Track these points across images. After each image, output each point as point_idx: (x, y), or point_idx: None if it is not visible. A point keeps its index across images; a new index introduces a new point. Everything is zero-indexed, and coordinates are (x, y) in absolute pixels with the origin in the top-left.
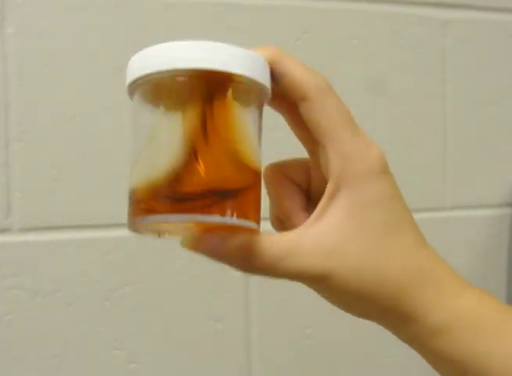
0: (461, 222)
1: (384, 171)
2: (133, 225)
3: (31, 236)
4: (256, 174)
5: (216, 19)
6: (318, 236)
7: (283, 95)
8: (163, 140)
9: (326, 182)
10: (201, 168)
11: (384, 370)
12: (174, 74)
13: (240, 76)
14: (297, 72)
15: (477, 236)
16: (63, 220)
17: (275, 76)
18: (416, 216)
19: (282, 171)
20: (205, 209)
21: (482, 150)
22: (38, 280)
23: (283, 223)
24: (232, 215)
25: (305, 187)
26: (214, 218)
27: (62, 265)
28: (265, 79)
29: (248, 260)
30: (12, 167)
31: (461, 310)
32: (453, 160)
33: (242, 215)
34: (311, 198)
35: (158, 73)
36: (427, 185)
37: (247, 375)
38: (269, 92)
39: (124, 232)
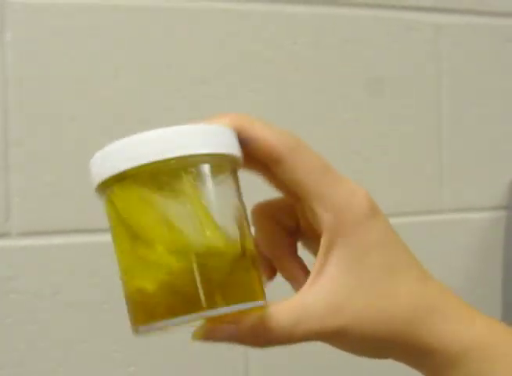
0: (456, 224)
1: (374, 213)
2: (137, 332)
3: (30, 241)
4: (242, 247)
5: (212, 25)
6: (321, 296)
7: (255, 158)
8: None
9: (314, 229)
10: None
11: (383, 371)
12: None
13: (207, 155)
14: (265, 136)
15: (472, 239)
16: (62, 224)
17: (243, 142)
18: (412, 219)
19: (267, 212)
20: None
21: (477, 153)
22: (37, 284)
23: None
24: (241, 300)
25: (294, 228)
26: (222, 310)
27: (60, 269)
28: (232, 148)
29: (263, 337)
30: (11, 171)
31: (473, 341)
32: (449, 163)
33: (246, 297)
34: (303, 239)
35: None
36: (422, 188)
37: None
38: (240, 159)
39: None
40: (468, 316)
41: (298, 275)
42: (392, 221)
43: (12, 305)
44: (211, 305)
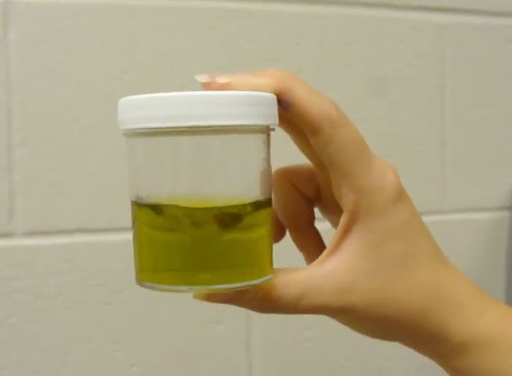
0: (460, 225)
1: (400, 197)
2: (141, 284)
3: (34, 241)
4: (264, 219)
5: (215, 24)
6: (333, 274)
7: (292, 121)
8: None
9: (335, 200)
10: None
11: (383, 371)
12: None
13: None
14: (305, 102)
15: (475, 240)
16: (65, 224)
17: (283, 105)
18: None
19: (289, 178)
20: (216, 280)
21: (481, 153)
22: (40, 284)
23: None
24: (244, 278)
25: (313, 197)
26: (229, 286)
27: (63, 269)
28: (269, 117)
29: (266, 305)
30: (15, 171)
31: (482, 330)
32: (452, 163)
33: (255, 274)
34: (323, 207)
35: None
36: (425, 188)
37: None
38: (276, 124)
39: (125, 236)
40: (481, 304)
41: (312, 247)
42: None
43: (15, 304)
44: (220, 280)
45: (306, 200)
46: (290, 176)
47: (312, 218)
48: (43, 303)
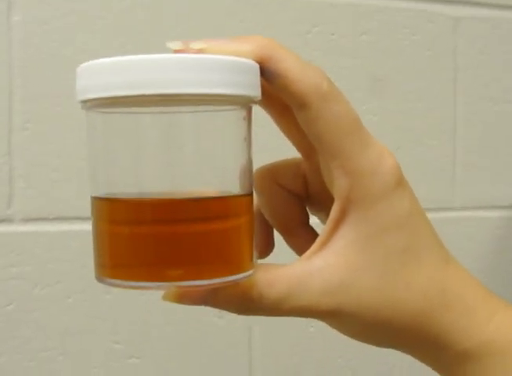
0: (470, 222)
1: (399, 183)
2: (100, 281)
3: (33, 227)
4: (243, 202)
5: (227, 12)
6: (323, 271)
7: (276, 96)
8: None
9: (327, 190)
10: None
11: (385, 367)
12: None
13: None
14: (293, 72)
15: (485, 237)
16: (65, 211)
17: (266, 76)
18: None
19: (272, 176)
20: (187, 276)
21: (491, 150)
22: (39, 271)
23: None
24: (218, 274)
25: (302, 194)
26: (198, 282)
27: (63, 257)
28: (251, 88)
29: (246, 305)
30: (15, 156)
31: (490, 336)
32: (463, 160)
33: (231, 270)
34: (312, 205)
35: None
36: (436, 185)
37: (248, 371)
38: (258, 98)
39: None
40: (488, 308)
41: (308, 248)
42: None
43: (13, 291)
44: (191, 276)
45: (295, 198)
46: (273, 174)
47: (306, 217)
48: (41, 291)
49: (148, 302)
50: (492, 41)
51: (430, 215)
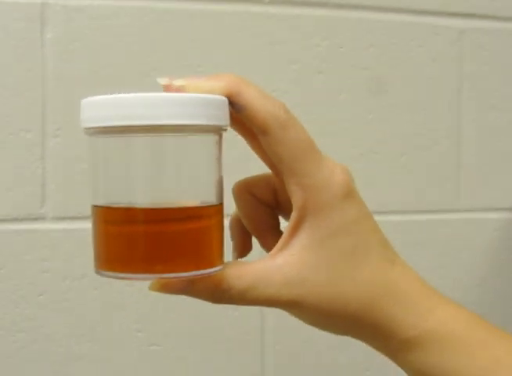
0: (474, 224)
1: (348, 195)
2: (98, 273)
3: (63, 225)
4: (210, 212)
5: (239, 27)
6: (283, 267)
7: (244, 124)
8: None
9: (291, 202)
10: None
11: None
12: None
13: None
14: (256, 104)
15: (489, 239)
16: None
17: (234, 108)
18: (429, 217)
19: (247, 189)
20: (167, 269)
21: (496, 154)
22: (68, 265)
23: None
24: (194, 268)
25: (273, 204)
26: (178, 275)
27: (89, 252)
28: (220, 118)
29: (217, 295)
30: (48, 160)
31: (431, 327)
32: (467, 163)
33: (205, 265)
34: (282, 213)
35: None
36: (440, 187)
37: (260, 358)
38: (227, 126)
39: None
40: (430, 302)
41: None
42: (410, 218)
43: (45, 283)
44: (171, 270)
45: (267, 207)
46: (248, 187)
47: (276, 222)
48: (70, 283)
49: (167, 294)
50: (496, 51)
51: (435, 217)
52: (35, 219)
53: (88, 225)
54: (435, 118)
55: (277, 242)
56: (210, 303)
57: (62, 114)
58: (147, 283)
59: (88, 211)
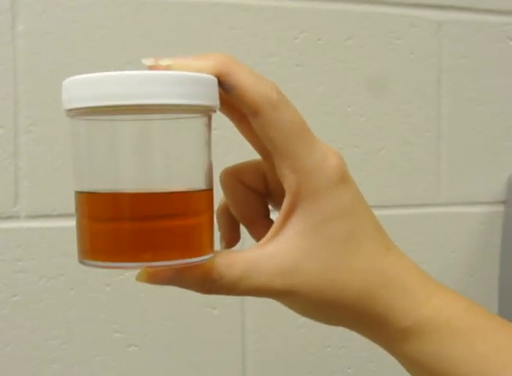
0: (454, 218)
1: (342, 180)
2: (83, 263)
3: (37, 223)
4: (200, 198)
5: (216, 19)
6: (275, 255)
7: (234, 105)
8: None
9: (282, 186)
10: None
11: (375, 353)
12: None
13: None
14: (247, 84)
15: (470, 233)
16: (67, 208)
17: (224, 88)
18: (410, 211)
19: (236, 176)
20: (155, 257)
21: (476, 147)
22: (43, 265)
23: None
24: (183, 256)
25: (263, 191)
26: (166, 263)
27: (65, 251)
28: (209, 98)
29: (208, 285)
30: (20, 157)
31: (428, 315)
32: (447, 156)
33: (194, 253)
34: (272, 200)
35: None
36: (420, 181)
37: (241, 357)
38: (216, 107)
39: None
40: (427, 291)
41: None
42: (391, 213)
43: (19, 283)
44: (159, 258)
45: (256, 194)
46: (237, 174)
47: (266, 210)
48: (45, 283)
49: (145, 293)
50: (474, 44)
51: (415, 211)
52: (8, 218)
53: (63, 224)
54: (414, 111)
55: (267, 230)
56: (200, 294)
57: (35, 109)
58: (125, 280)
59: (64, 209)
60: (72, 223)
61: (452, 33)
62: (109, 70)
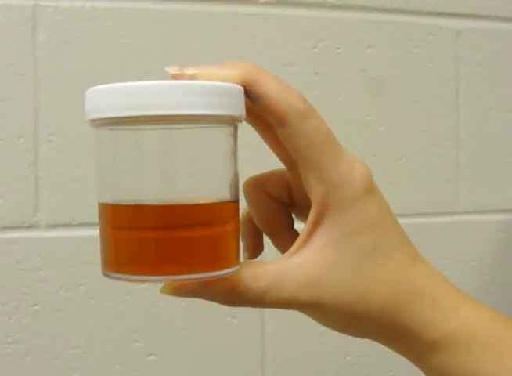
0: (473, 226)
1: (369, 191)
2: (107, 276)
3: (57, 232)
4: (228, 208)
5: (235, 28)
6: (302, 267)
7: (259, 114)
8: None
9: (307, 196)
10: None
11: (394, 362)
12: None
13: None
14: (273, 94)
15: (489, 241)
16: (87, 217)
17: (250, 97)
18: (429, 220)
19: (260, 186)
20: (180, 270)
21: (495, 155)
22: (63, 274)
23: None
24: (208, 269)
25: (287, 201)
26: (191, 276)
27: (85, 260)
28: (236, 108)
29: (233, 297)
30: (41, 167)
31: (456, 328)
32: (466, 165)
33: (220, 266)
34: (296, 210)
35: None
36: (440, 189)
37: (261, 368)
38: (243, 117)
39: None
40: (454, 302)
41: None
42: (410, 221)
43: (39, 293)
44: (185, 271)
45: (280, 204)
46: (260, 184)
47: (290, 221)
48: (65, 292)
49: (165, 302)
50: (492, 52)
51: (434, 219)
52: (29, 227)
53: (83, 233)
54: (433, 120)
55: (292, 241)
56: (227, 306)
57: (55, 119)
58: (145, 289)
59: (84, 219)
60: (92, 232)
61: (470, 41)
62: (128, 80)
